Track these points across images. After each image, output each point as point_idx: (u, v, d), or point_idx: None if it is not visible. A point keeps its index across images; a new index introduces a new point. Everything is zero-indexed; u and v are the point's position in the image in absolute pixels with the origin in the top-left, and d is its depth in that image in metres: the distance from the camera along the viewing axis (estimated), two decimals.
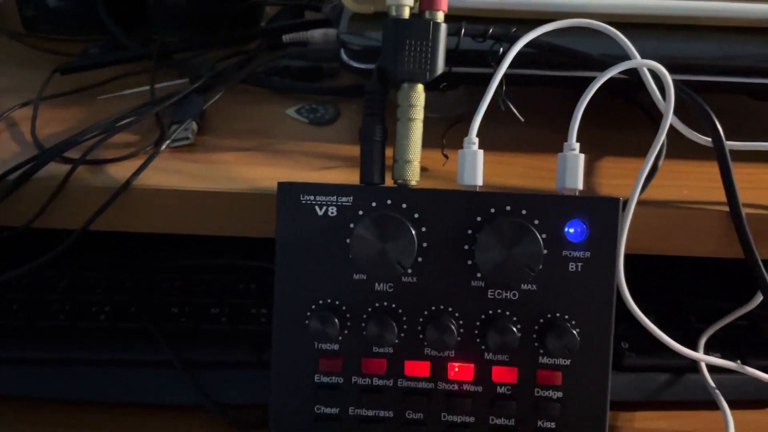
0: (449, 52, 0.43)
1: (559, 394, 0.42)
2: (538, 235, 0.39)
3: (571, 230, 0.40)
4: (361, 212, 0.41)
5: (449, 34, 0.42)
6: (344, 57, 0.48)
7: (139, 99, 0.55)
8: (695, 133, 0.44)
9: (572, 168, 0.41)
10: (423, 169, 0.46)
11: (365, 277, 0.41)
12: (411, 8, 0.41)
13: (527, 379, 0.42)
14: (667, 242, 0.45)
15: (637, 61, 0.42)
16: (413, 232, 0.39)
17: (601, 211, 0.40)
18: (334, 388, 0.42)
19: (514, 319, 0.41)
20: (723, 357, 0.49)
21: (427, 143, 0.43)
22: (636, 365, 0.50)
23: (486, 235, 0.39)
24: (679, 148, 0.45)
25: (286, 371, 0.42)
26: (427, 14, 0.41)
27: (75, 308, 0.53)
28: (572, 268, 0.41)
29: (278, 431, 0.43)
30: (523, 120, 0.45)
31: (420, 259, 0.41)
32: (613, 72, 0.41)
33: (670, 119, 0.42)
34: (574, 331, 0.40)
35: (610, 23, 0.43)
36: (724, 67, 0.46)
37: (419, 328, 0.42)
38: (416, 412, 0.43)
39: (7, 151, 0.49)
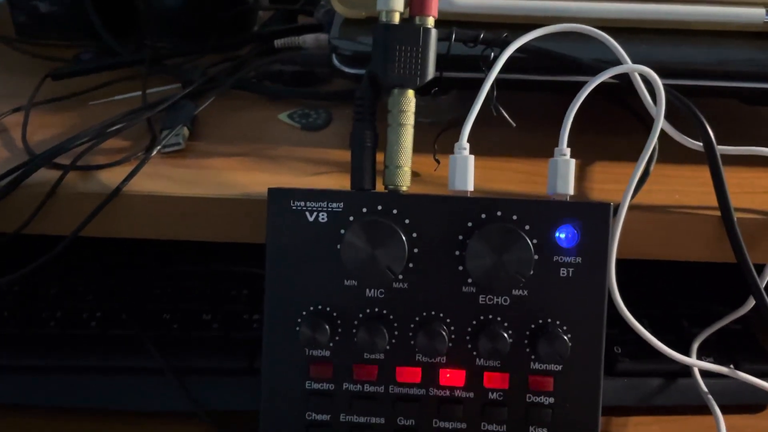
0: (440, 57, 0.43)
1: (551, 400, 0.42)
2: (529, 241, 0.39)
3: (562, 236, 0.40)
4: (351, 218, 0.40)
5: (440, 39, 0.42)
6: (336, 62, 0.48)
7: (130, 104, 0.54)
8: (686, 137, 0.44)
9: (563, 173, 0.41)
10: (414, 174, 0.46)
11: (356, 284, 0.41)
12: (401, 14, 0.41)
13: (519, 385, 0.42)
14: (659, 247, 0.45)
15: (628, 65, 0.42)
16: (404, 238, 0.39)
17: (592, 216, 0.40)
18: (325, 395, 0.42)
19: (506, 324, 0.41)
20: (716, 361, 0.49)
21: (418, 148, 0.43)
22: (629, 370, 0.50)
23: (476, 241, 0.39)
24: (670, 152, 0.45)
25: (277, 378, 0.42)
26: (417, 20, 0.41)
27: (65, 315, 0.53)
28: (563, 274, 0.40)
29: None
30: (514, 125, 0.45)
31: (411, 265, 0.41)
32: (603, 77, 0.41)
33: (661, 124, 0.42)
34: (566, 337, 0.40)
35: (601, 28, 0.43)
36: (715, 71, 0.46)
37: (410, 334, 0.41)
38: (408, 418, 0.42)
39: None
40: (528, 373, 0.42)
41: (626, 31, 0.46)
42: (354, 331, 0.41)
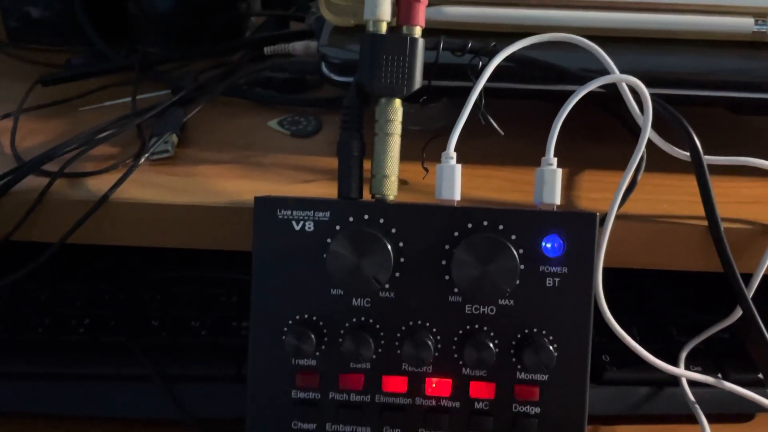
0: (429, 66, 0.43)
1: (537, 410, 0.42)
2: (515, 251, 0.39)
3: (548, 245, 0.40)
4: (338, 227, 0.40)
5: (428, 48, 0.42)
6: (325, 70, 0.48)
7: (120, 110, 0.55)
8: (673, 147, 0.44)
9: (549, 183, 0.41)
10: (403, 182, 0.46)
11: (342, 293, 0.41)
12: (389, 23, 0.41)
13: (505, 394, 0.42)
14: (646, 256, 0.45)
15: (615, 75, 0.42)
16: (390, 247, 0.39)
17: (578, 226, 0.40)
18: (311, 404, 0.42)
19: (492, 334, 0.41)
20: (704, 370, 0.49)
21: (407, 156, 0.43)
22: (616, 379, 0.50)
23: (462, 251, 0.39)
24: (658, 162, 0.45)
25: (263, 387, 0.42)
26: (404, 29, 0.41)
27: (54, 322, 0.53)
28: (549, 284, 0.40)
29: None
30: (502, 133, 0.45)
31: (397, 275, 0.41)
32: (590, 87, 0.41)
33: (648, 133, 0.42)
34: (552, 347, 0.40)
35: (589, 37, 0.43)
36: (702, 80, 0.46)
37: (396, 343, 0.41)
38: (394, 427, 0.42)
39: None
40: (514, 383, 0.41)
41: (614, 40, 0.46)
42: (340, 340, 0.41)
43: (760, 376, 0.50)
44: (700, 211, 0.43)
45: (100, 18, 0.67)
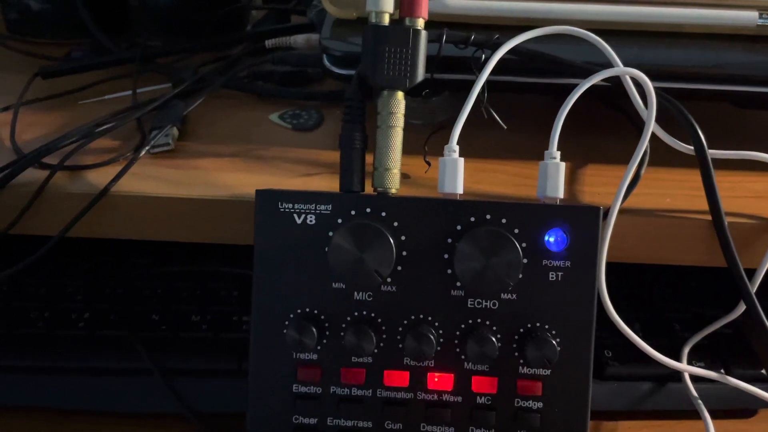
0: (431, 59, 0.43)
1: (539, 405, 0.41)
2: (518, 245, 0.39)
3: (552, 239, 0.40)
4: (339, 220, 0.40)
5: (431, 40, 0.42)
6: (326, 63, 0.48)
7: (120, 103, 0.54)
8: (677, 141, 0.44)
9: (553, 176, 0.41)
10: (405, 176, 0.46)
11: (344, 286, 0.41)
12: (391, 15, 0.41)
13: (507, 389, 0.41)
14: (650, 251, 0.45)
15: (619, 69, 0.42)
16: (392, 240, 0.39)
17: (581, 220, 0.40)
18: (312, 398, 0.42)
19: (494, 328, 0.41)
20: (707, 365, 0.49)
21: (409, 150, 0.43)
22: (619, 374, 0.50)
23: (465, 245, 0.39)
24: (661, 155, 0.45)
25: (264, 381, 0.42)
26: (407, 21, 0.41)
27: (53, 316, 0.52)
28: (552, 278, 0.40)
29: None
30: (505, 127, 0.44)
31: (399, 268, 0.40)
32: (594, 80, 0.41)
33: (651, 127, 0.42)
34: (554, 342, 0.40)
35: (592, 30, 0.42)
36: (707, 74, 0.45)
37: (398, 337, 0.41)
38: (395, 422, 0.42)
39: None
40: (516, 378, 0.41)
41: (618, 33, 0.46)
42: (342, 334, 0.41)
43: (764, 371, 0.50)
44: (704, 205, 0.43)
45: (100, 10, 0.67)
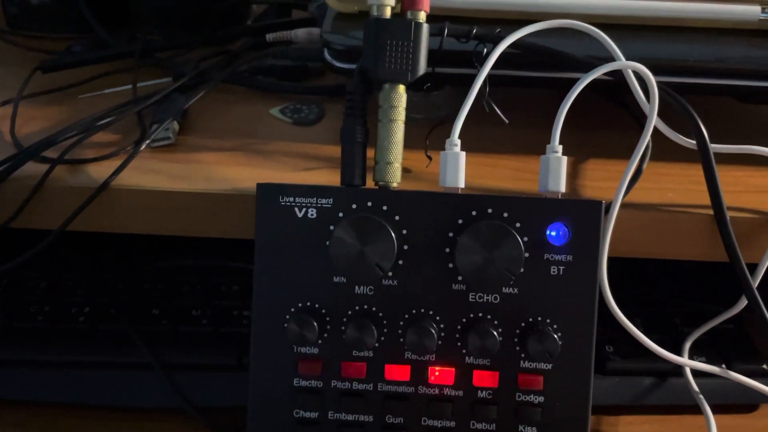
0: (433, 53, 0.43)
1: (541, 399, 0.41)
2: (519, 239, 0.38)
3: (553, 233, 0.40)
4: (341, 214, 0.40)
5: (432, 34, 0.42)
6: (328, 57, 0.48)
7: (121, 98, 0.54)
8: (679, 135, 0.44)
9: (555, 170, 0.41)
10: (406, 171, 0.46)
11: (345, 280, 0.41)
12: (393, 8, 0.41)
13: (508, 383, 0.41)
14: (651, 245, 0.44)
15: (621, 62, 0.42)
16: (393, 234, 0.39)
17: (583, 214, 0.40)
18: (313, 392, 0.42)
19: (496, 322, 0.41)
20: (708, 360, 0.49)
21: (410, 144, 0.43)
22: (620, 369, 0.50)
23: (466, 238, 0.39)
24: (663, 150, 0.45)
25: (265, 374, 0.42)
26: (408, 14, 0.41)
27: (53, 310, 0.53)
28: (554, 272, 0.40)
29: None
30: (507, 121, 0.44)
31: (400, 262, 0.40)
32: (596, 74, 0.41)
33: (654, 121, 0.42)
34: (556, 336, 0.40)
35: (594, 24, 0.42)
36: (710, 69, 0.45)
37: (400, 331, 0.41)
38: (396, 416, 0.42)
39: None
40: (518, 372, 0.41)
41: (620, 27, 0.46)
42: (343, 328, 0.41)
43: (765, 366, 0.50)
44: (706, 200, 0.42)
45: (100, 4, 0.66)
